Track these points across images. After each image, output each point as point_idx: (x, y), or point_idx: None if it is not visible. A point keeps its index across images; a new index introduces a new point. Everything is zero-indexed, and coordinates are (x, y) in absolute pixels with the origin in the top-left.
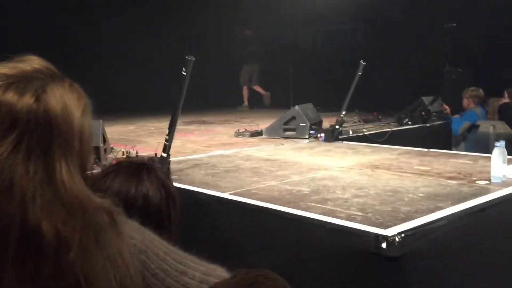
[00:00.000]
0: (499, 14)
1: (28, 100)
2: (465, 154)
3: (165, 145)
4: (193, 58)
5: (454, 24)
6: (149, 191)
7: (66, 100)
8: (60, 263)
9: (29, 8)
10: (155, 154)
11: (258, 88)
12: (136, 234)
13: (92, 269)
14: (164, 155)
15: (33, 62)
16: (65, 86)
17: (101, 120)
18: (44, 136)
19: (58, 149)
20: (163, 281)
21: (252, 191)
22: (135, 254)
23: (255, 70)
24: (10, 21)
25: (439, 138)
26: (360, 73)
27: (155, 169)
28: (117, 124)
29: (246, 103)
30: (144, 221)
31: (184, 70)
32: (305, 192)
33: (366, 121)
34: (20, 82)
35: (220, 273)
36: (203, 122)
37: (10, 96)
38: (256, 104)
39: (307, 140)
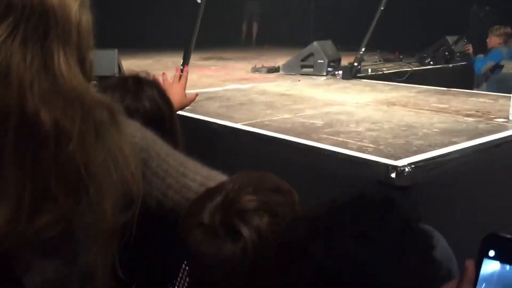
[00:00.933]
0: None
1: None
2: (486, 94)
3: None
4: None
5: None
6: (153, 106)
7: None
8: (59, 152)
9: None
10: None
11: (254, 26)
12: (138, 133)
13: (92, 161)
14: None
15: None
16: None
17: (116, 49)
18: (40, 24)
19: (56, 38)
20: (163, 180)
21: (265, 122)
22: (136, 151)
23: (255, 6)
24: None
25: (461, 79)
26: (382, 8)
27: (152, 82)
28: (134, 58)
29: (243, 38)
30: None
31: None
32: (318, 125)
33: (387, 61)
34: None
35: (221, 178)
36: (221, 58)
37: None
38: (276, 41)
39: (324, 77)
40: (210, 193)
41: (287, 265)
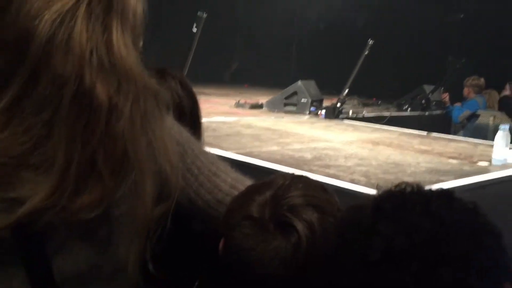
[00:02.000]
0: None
1: None
2: (465, 139)
3: None
4: (205, 15)
5: (461, 15)
6: (175, 97)
7: None
8: (110, 128)
9: None
10: None
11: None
12: (175, 127)
13: (138, 143)
14: None
15: None
16: None
17: None
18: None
19: (116, 15)
20: (196, 178)
21: (254, 153)
22: (174, 145)
23: None
24: None
25: (438, 127)
26: (366, 52)
27: (176, 74)
28: None
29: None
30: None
31: (195, 26)
32: (308, 158)
33: (366, 105)
34: None
35: (250, 183)
36: (203, 93)
37: None
38: (257, 81)
39: (307, 116)
40: (259, 187)
41: (352, 243)
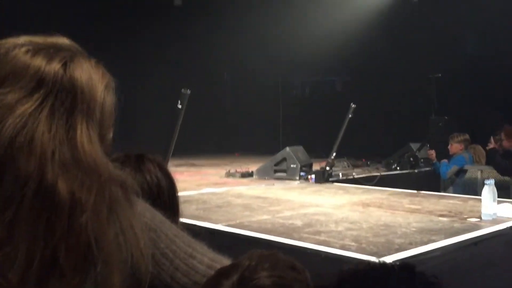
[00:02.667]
0: (483, 63)
1: (55, 65)
2: (455, 196)
3: None
4: (189, 92)
5: (439, 75)
6: (153, 179)
7: (91, 73)
8: (72, 223)
9: None
10: None
11: None
12: (147, 213)
13: (104, 235)
14: None
15: (63, 39)
16: (91, 62)
17: None
18: (68, 99)
19: (80, 113)
20: (171, 262)
21: (245, 223)
22: (146, 231)
23: None
24: None
25: (427, 184)
26: (350, 116)
27: (154, 158)
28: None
29: None
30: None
31: (179, 103)
32: (298, 225)
33: (355, 166)
34: (49, 49)
35: (227, 262)
36: (193, 165)
37: (39, 60)
38: (249, 149)
39: (298, 181)
40: (226, 270)
41: None
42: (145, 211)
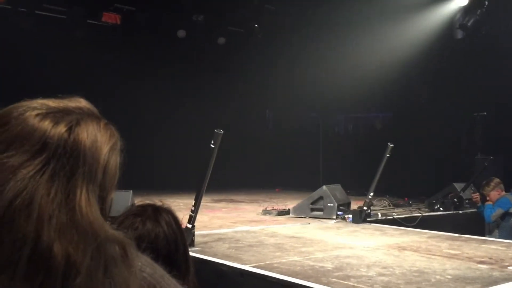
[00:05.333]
0: None
1: (61, 129)
2: (498, 241)
3: (190, 216)
4: (222, 132)
5: (485, 113)
6: (156, 230)
7: (97, 135)
8: (66, 286)
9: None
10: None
11: None
12: (147, 268)
13: None
14: (189, 226)
15: (78, 101)
16: (100, 124)
17: (131, 191)
18: (69, 163)
19: (81, 176)
20: None
21: (274, 265)
22: (144, 287)
23: None
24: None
25: (472, 226)
26: (388, 155)
27: (160, 209)
28: (148, 198)
29: None
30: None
31: (212, 142)
32: (328, 268)
33: (396, 206)
34: (58, 113)
35: None
36: (232, 201)
37: (46, 124)
38: (289, 185)
39: (334, 221)
40: None
41: None
42: (145, 267)
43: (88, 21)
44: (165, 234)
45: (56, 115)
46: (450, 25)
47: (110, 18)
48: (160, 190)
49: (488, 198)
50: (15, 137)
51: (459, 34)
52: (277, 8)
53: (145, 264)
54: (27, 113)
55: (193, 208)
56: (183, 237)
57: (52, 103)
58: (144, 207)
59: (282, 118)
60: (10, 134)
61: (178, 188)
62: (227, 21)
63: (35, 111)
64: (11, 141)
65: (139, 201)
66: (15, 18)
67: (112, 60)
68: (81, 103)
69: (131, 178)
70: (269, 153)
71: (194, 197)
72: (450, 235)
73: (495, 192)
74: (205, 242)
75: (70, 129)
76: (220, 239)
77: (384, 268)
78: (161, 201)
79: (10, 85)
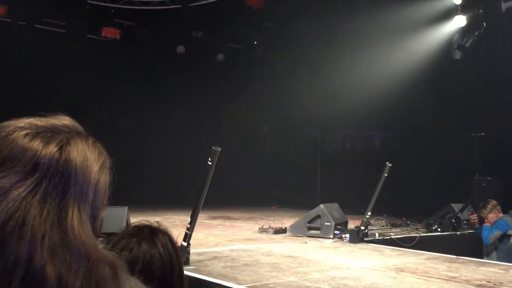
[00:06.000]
0: None
1: (52, 149)
2: (496, 263)
3: (186, 233)
4: (219, 149)
5: (483, 134)
6: (151, 252)
7: (87, 154)
8: None
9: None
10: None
11: None
12: None
13: None
14: (184, 244)
15: (64, 119)
16: (88, 142)
17: (126, 207)
18: (61, 182)
19: (73, 196)
20: None
21: (270, 285)
22: None
23: None
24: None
25: (470, 247)
26: (386, 174)
27: (157, 231)
28: (143, 214)
29: None
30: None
31: (209, 160)
32: None
33: (394, 225)
34: (48, 132)
35: None
36: (228, 218)
37: (37, 144)
38: (286, 203)
39: (331, 240)
40: None
41: None
42: None
43: (88, 35)
44: (160, 256)
45: (46, 135)
46: (449, 46)
47: (110, 33)
48: (156, 206)
49: (486, 221)
50: (5, 158)
51: (457, 55)
52: (276, 25)
53: (135, 286)
54: (16, 133)
55: (188, 225)
56: (179, 259)
57: (39, 122)
58: (140, 228)
59: (280, 135)
60: (0, 155)
61: (174, 204)
62: (226, 37)
63: (24, 131)
64: (1, 162)
65: (137, 221)
66: (15, 31)
67: (110, 75)
68: (67, 120)
69: (126, 194)
70: (266, 170)
71: (190, 214)
72: (448, 257)
73: (492, 214)
74: (200, 261)
75: (61, 149)
76: (215, 257)
77: None
78: (157, 222)
79: (9, 98)
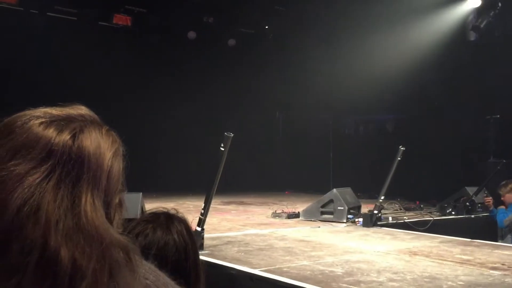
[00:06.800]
0: None
1: (65, 136)
2: (511, 246)
3: (200, 219)
4: (232, 135)
5: (498, 116)
6: (166, 238)
7: (100, 141)
8: None
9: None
10: None
11: None
12: (151, 276)
13: None
14: (199, 229)
15: (80, 109)
16: (102, 130)
17: (140, 193)
18: (74, 169)
19: (86, 182)
20: None
21: (284, 269)
22: None
23: None
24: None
25: (484, 231)
26: (399, 158)
27: (173, 217)
28: (158, 201)
29: None
30: (162, 265)
31: (222, 146)
32: (338, 273)
33: (407, 209)
34: (62, 121)
35: None
36: (242, 203)
37: (51, 132)
38: (299, 187)
39: (344, 224)
40: None
41: None
42: (148, 274)
43: (99, 23)
44: (174, 243)
45: (60, 123)
46: (463, 27)
47: (121, 20)
48: (170, 192)
49: (502, 199)
50: (20, 146)
51: (472, 36)
52: (287, 9)
53: (148, 271)
54: (31, 122)
55: (202, 211)
56: (194, 246)
57: (54, 111)
58: (157, 214)
59: (292, 120)
60: (16, 143)
61: (188, 189)
62: (237, 22)
63: (39, 120)
64: (17, 150)
65: (154, 208)
66: (26, 19)
67: (123, 62)
68: (83, 110)
69: (141, 180)
70: (279, 155)
71: (204, 199)
72: (462, 240)
73: (510, 195)
74: (214, 245)
75: (74, 136)
76: (229, 242)
77: (395, 273)
78: (175, 209)
79: (20, 86)
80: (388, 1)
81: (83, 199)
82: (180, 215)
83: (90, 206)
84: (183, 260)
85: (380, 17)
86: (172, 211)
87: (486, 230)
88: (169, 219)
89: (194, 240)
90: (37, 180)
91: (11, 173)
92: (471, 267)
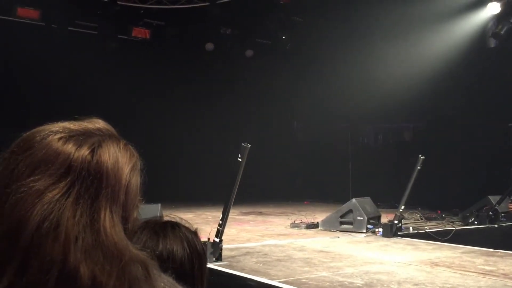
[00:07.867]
0: None
1: (84, 151)
2: None
3: (218, 230)
4: (249, 145)
5: None
6: (173, 247)
7: (118, 156)
8: None
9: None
10: (208, 239)
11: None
12: None
13: None
14: (217, 240)
15: (97, 123)
16: (120, 145)
17: (159, 204)
18: (93, 185)
19: (105, 198)
20: None
21: (303, 280)
22: None
23: None
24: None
25: (508, 240)
26: (419, 167)
27: (180, 226)
28: (176, 211)
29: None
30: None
31: (239, 156)
32: (358, 285)
33: (429, 219)
34: (81, 136)
35: None
36: (260, 213)
37: (69, 147)
38: (318, 197)
39: (364, 234)
40: None
41: None
42: (167, 287)
43: (119, 36)
44: (181, 253)
45: (79, 138)
46: (483, 34)
47: (140, 33)
48: (189, 202)
49: None
50: (39, 161)
51: (492, 43)
52: (304, 20)
53: (167, 285)
54: (50, 137)
55: (220, 222)
56: (200, 256)
57: (73, 126)
58: (164, 224)
59: (310, 129)
60: (35, 159)
61: (206, 200)
62: (254, 33)
63: (58, 135)
64: (36, 166)
65: (151, 217)
66: (48, 35)
67: (142, 74)
68: (100, 124)
69: (160, 191)
70: (297, 164)
71: (221, 210)
72: (485, 250)
73: None
74: (233, 256)
75: (93, 152)
76: (248, 253)
77: (416, 285)
78: (181, 218)
79: (43, 101)
80: (405, 9)
81: (102, 215)
82: (184, 223)
83: (109, 221)
84: (188, 270)
85: (397, 25)
86: (177, 219)
87: (510, 239)
88: (177, 228)
89: (200, 249)
90: (57, 196)
91: (30, 189)
92: (495, 278)
